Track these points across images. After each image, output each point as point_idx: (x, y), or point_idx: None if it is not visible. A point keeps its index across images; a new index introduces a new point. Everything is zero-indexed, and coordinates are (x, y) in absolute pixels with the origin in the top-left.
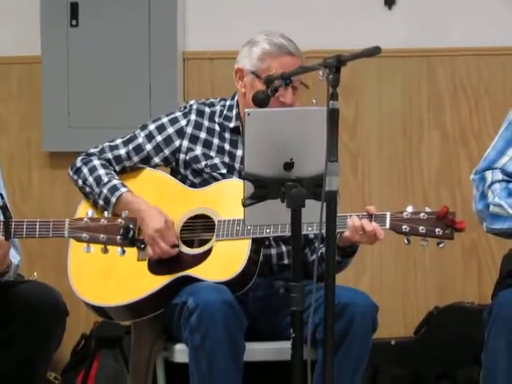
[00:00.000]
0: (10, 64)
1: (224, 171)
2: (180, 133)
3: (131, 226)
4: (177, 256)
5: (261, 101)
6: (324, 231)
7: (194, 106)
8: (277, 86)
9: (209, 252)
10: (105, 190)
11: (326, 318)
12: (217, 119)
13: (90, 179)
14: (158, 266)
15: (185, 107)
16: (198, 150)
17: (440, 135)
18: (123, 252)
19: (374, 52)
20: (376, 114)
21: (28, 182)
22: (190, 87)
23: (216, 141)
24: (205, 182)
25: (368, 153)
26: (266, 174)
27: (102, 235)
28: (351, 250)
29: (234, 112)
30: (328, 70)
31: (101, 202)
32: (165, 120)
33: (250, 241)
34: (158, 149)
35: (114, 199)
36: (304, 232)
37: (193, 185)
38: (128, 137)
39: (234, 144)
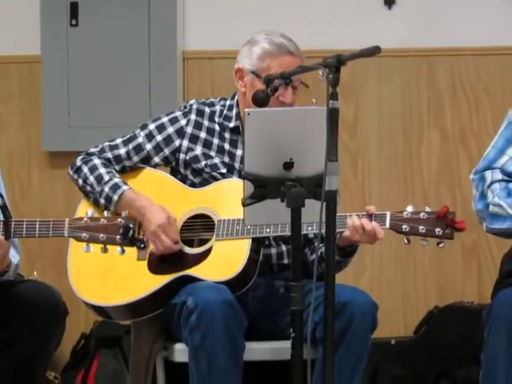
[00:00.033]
0: (10, 63)
1: (224, 171)
2: (180, 132)
3: (131, 226)
4: (177, 255)
5: (261, 100)
6: (324, 231)
7: (194, 106)
8: (277, 85)
9: (209, 251)
10: (106, 189)
11: (325, 317)
12: (217, 119)
13: (91, 178)
14: (157, 265)
15: (185, 107)
16: (198, 150)
17: (440, 135)
18: (123, 251)
19: (374, 52)
20: (376, 113)
21: (28, 182)
22: (190, 87)
23: (216, 140)
24: (205, 182)
25: (368, 152)
26: (265, 173)
27: (101, 235)
28: (351, 250)
29: (234, 112)
30: (328, 70)
31: (102, 201)
32: (165, 120)
33: (250, 240)
34: (157, 148)
35: (116, 197)
36: (304, 232)
37: (193, 184)
38: (128, 136)
39: (233, 144)
